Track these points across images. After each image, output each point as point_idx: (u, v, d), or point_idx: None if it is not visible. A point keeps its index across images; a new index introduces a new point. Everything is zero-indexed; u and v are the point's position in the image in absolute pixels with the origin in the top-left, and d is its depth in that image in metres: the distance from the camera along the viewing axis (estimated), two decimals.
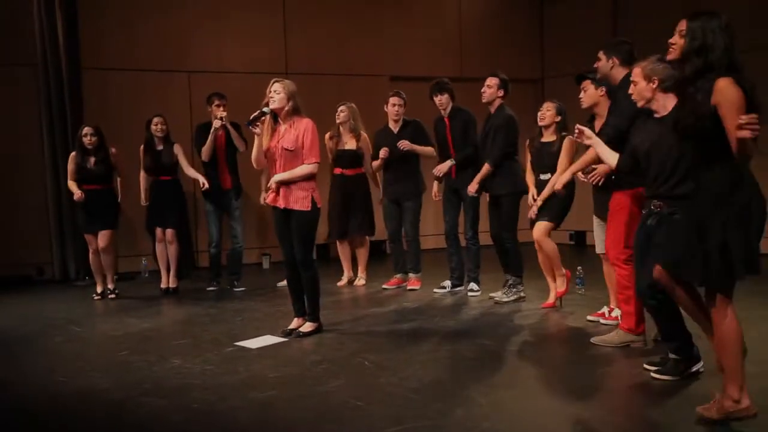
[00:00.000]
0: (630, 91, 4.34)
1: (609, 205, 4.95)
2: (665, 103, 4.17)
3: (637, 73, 4.27)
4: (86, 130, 7.22)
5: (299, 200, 5.27)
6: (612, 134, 4.69)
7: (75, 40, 8.45)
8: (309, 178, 5.29)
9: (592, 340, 5.05)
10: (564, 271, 6.24)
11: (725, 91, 3.23)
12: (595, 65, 5.13)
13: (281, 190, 5.29)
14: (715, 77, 3.28)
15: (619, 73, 4.97)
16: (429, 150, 7.18)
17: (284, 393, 4.12)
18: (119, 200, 7.48)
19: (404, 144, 7.08)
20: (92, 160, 7.20)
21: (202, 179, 7.29)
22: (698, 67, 3.36)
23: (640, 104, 4.32)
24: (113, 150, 7.28)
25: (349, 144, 7.41)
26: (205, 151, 7.33)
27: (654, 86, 4.20)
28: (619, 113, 4.74)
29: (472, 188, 6.57)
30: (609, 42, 5.20)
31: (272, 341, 5.29)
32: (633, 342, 4.86)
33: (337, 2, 9.80)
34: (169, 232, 7.43)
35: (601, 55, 5.11)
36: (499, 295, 6.57)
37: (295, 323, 5.51)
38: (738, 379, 3.42)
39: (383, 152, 7.23)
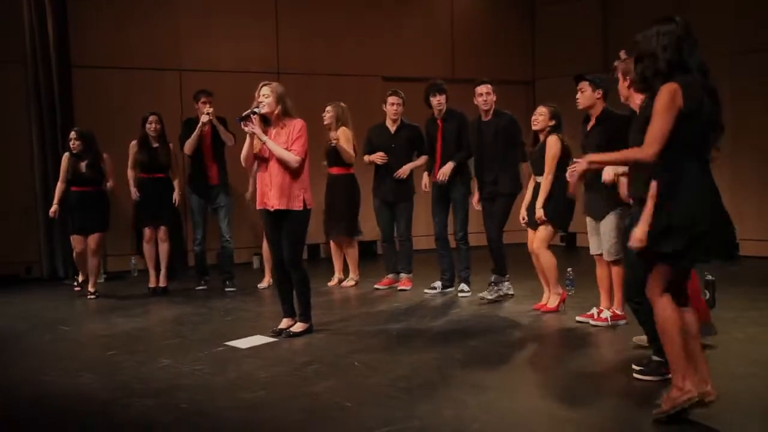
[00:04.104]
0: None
1: None
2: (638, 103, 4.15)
3: (618, 69, 4.41)
4: (71, 134, 7.28)
5: (291, 201, 5.24)
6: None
7: (65, 38, 8.39)
8: (297, 174, 5.23)
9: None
10: (561, 290, 6.09)
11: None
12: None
13: (274, 192, 5.23)
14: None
15: None
16: (421, 161, 7.17)
17: (273, 393, 4.11)
18: (109, 202, 7.43)
19: (401, 174, 7.09)
20: (83, 164, 7.19)
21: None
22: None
23: (622, 100, 4.45)
24: (105, 155, 7.27)
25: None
26: (189, 144, 7.27)
27: (627, 84, 4.23)
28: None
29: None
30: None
31: (262, 341, 5.28)
32: None
33: (329, 2, 9.78)
34: (162, 229, 7.38)
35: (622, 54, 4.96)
36: (484, 293, 6.61)
37: (284, 323, 5.49)
38: (678, 367, 3.45)
39: (380, 159, 7.20)
